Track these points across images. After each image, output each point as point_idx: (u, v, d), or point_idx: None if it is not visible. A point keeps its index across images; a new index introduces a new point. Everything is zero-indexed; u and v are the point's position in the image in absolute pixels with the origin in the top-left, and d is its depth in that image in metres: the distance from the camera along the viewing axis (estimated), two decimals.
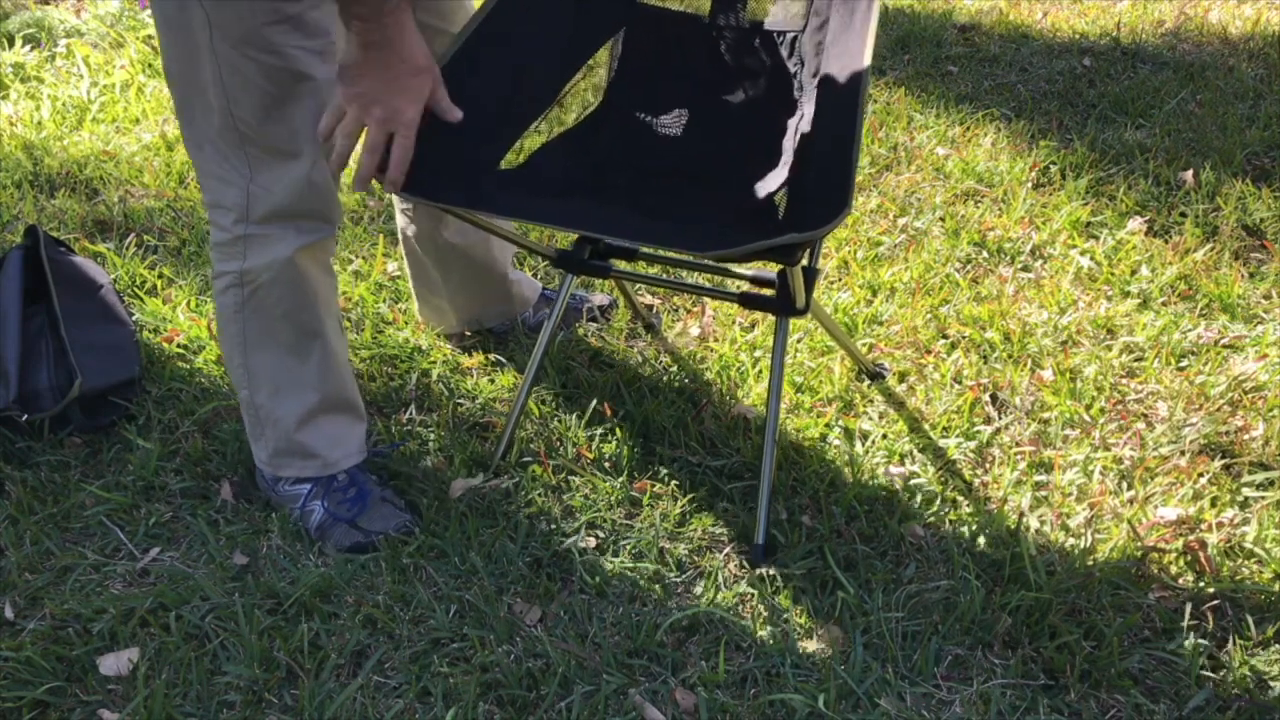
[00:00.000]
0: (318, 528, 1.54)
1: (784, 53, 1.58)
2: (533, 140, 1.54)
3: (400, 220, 1.80)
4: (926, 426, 1.71)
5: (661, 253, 1.75)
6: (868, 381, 1.81)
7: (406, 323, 2.00)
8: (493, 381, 1.84)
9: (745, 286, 1.82)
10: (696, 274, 2.01)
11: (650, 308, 2.03)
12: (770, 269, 1.65)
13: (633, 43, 1.64)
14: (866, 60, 1.31)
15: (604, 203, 1.50)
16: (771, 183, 1.51)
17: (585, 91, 1.62)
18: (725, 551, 1.51)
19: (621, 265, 1.68)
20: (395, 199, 1.79)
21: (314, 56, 1.28)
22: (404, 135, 1.23)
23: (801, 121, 1.52)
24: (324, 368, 1.50)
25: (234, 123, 1.29)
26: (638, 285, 2.03)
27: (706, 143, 1.60)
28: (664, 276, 1.98)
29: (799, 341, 1.89)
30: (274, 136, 1.31)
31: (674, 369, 1.84)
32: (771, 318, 1.94)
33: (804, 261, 1.42)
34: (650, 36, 1.64)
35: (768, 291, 1.61)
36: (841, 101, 1.35)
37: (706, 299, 2.02)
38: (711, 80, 1.61)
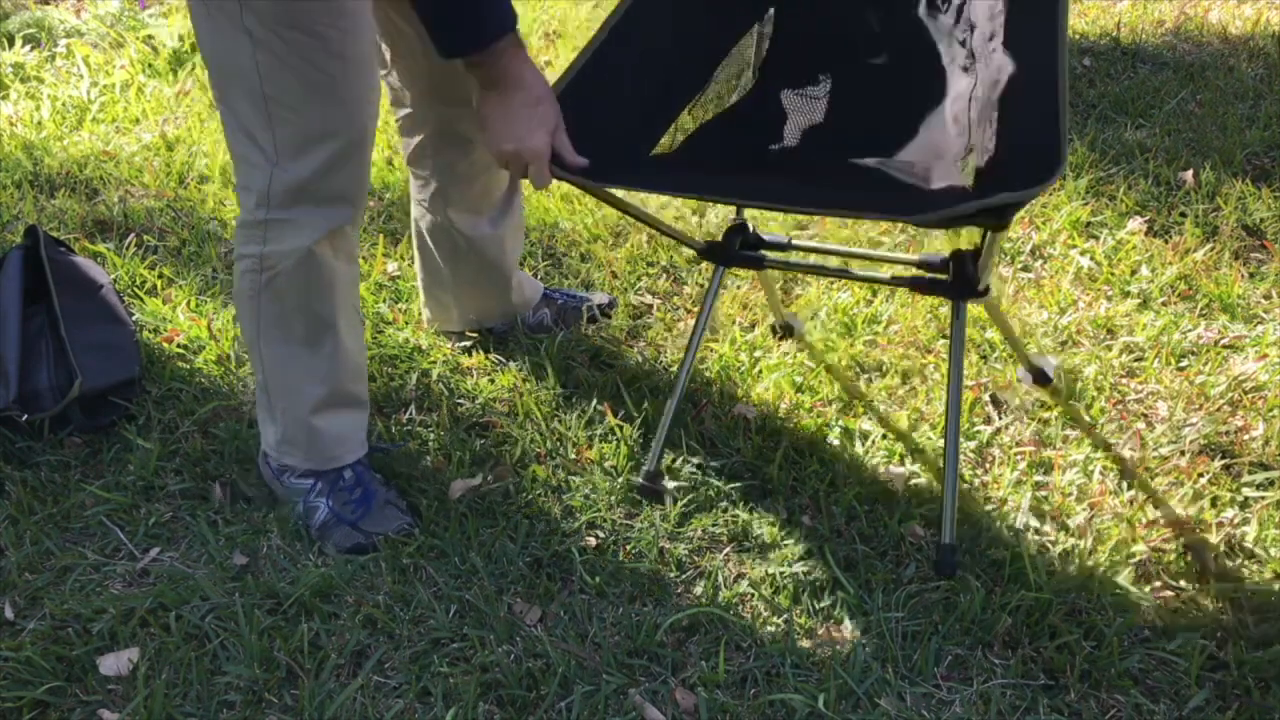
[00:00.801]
0: (320, 526, 1.53)
1: (949, 19, 1.51)
2: (685, 123, 1.51)
3: (415, 211, 1.80)
4: (926, 426, 1.71)
5: (818, 244, 1.72)
6: (1029, 382, 1.76)
7: (406, 323, 2.00)
8: (493, 381, 1.84)
9: (908, 273, 1.64)
10: (854, 262, 1.88)
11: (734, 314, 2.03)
12: (940, 252, 1.56)
13: (784, 18, 1.60)
14: (1062, 19, 1.24)
15: (772, 178, 1.44)
16: (952, 149, 1.46)
17: (736, 72, 1.59)
18: (725, 551, 1.51)
19: (774, 255, 1.60)
20: (412, 188, 1.78)
21: (347, 36, 1.27)
22: (536, 166, 1.26)
23: (978, 88, 1.46)
24: (334, 360, 1.50)
25: (265, 104, 1.28)
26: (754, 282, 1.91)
27: (871, 115, 1.54)
28: (821, 264, 1.82)
29: (799, 341, 1.89)
30: (306, 118, 1.30)
31: (674, 369, 1.84)
32: (757, 321, 1.94)
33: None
34: (801, 11, 1.59)
35: (940, 276, 1.52)
36: (1038, 62, 1.27)
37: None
38: (870, 52, 1.56)
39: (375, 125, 1.37)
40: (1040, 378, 1.75)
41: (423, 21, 1.22)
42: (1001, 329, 1.70)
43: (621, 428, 1.71)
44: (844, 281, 2.06)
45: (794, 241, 1.64)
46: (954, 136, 1.46)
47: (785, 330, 1.90)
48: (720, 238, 1.58)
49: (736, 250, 1.54)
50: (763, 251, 1.60)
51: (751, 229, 1.60)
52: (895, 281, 1.53)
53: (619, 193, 1.42)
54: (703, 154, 1.47)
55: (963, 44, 1.51)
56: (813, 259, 1.92)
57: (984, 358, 1.85)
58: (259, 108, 1.29)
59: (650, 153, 1.44)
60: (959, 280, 1.38)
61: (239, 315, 1.49)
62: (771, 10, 1.61)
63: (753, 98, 1.59)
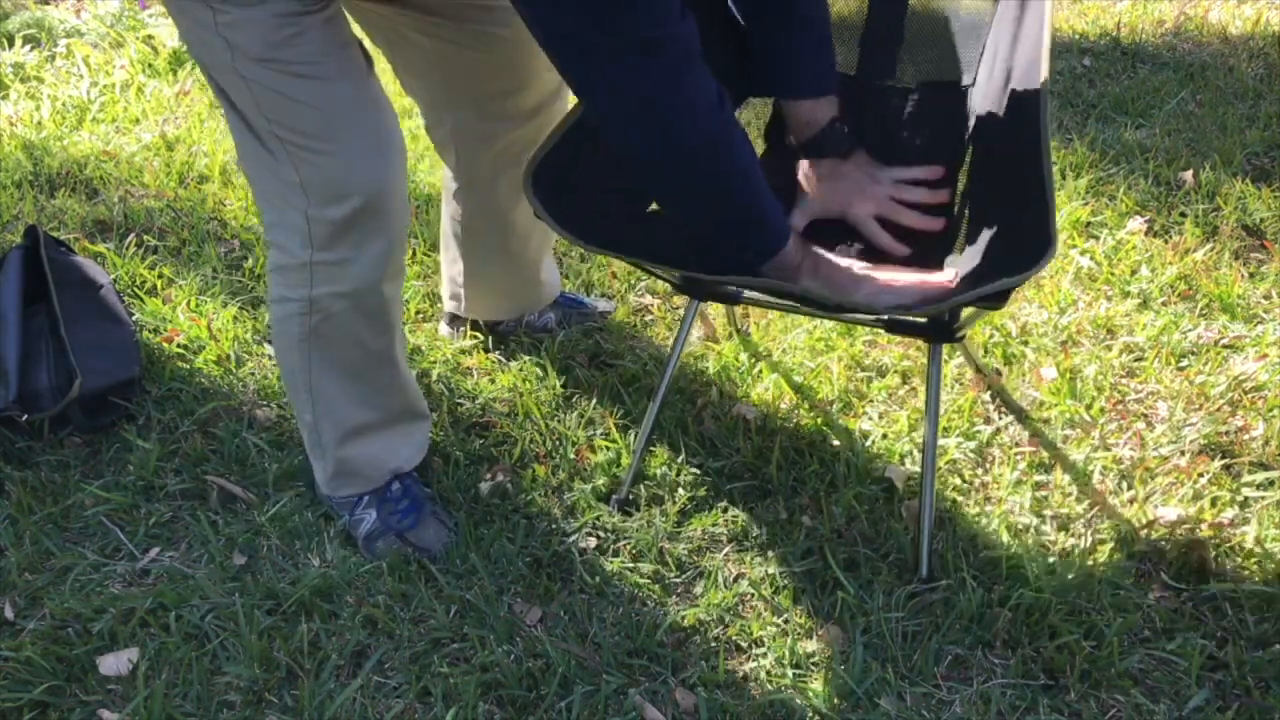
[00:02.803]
0: (366, 536, 1.52)
1: (947, 107, 1.54)
2: None
3: (447, 206, 1.76)
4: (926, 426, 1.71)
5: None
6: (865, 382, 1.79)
7: (406, 321, 2.00)
8: (493, 381, 1.84)
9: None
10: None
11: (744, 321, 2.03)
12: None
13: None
14: (1041, 81, 1.25)
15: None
16: (935, 235, 1.47)
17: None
18: (725, 551, 1.51)
19: (750, 292, 1.59)
20: (444, 179, 1.74)
21: (343, 61, 1.23)
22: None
23: (965, 171, 1.49)
24: (392, 388, 1.49)
25: (281, 144, 1.24)
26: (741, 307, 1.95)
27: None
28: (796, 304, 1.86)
29: (799, 340, 1.89)
30: (324, 151, 1.24)
31: (674, 368, 1.84)
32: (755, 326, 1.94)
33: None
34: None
35: (915, 318, 1.52)
36: (1021, 135, 1.28)
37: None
38: (861, 135, 1.54)
39: (399, 170, 1.31)
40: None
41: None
42: (972, 362, 1.76)
43: (621, 428, 1.71)
44: None
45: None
46: (940, 223, 1.48)
47: (738, 335, 1.93)
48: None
49: (710, 284, 1.54)
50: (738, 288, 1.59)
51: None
52: (871, 322, 1.54)
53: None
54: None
55: (961, 128, 1.53)
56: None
57: (984, 356, 1.85)
58: (277, 147, 1.25)
59: (649, 208, 1.43)
60: (937, 324, 1.40)
61: (282, 360, 1.44)
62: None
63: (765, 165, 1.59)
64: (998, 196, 1.35)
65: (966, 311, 1.35)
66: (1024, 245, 1.15)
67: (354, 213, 1.27)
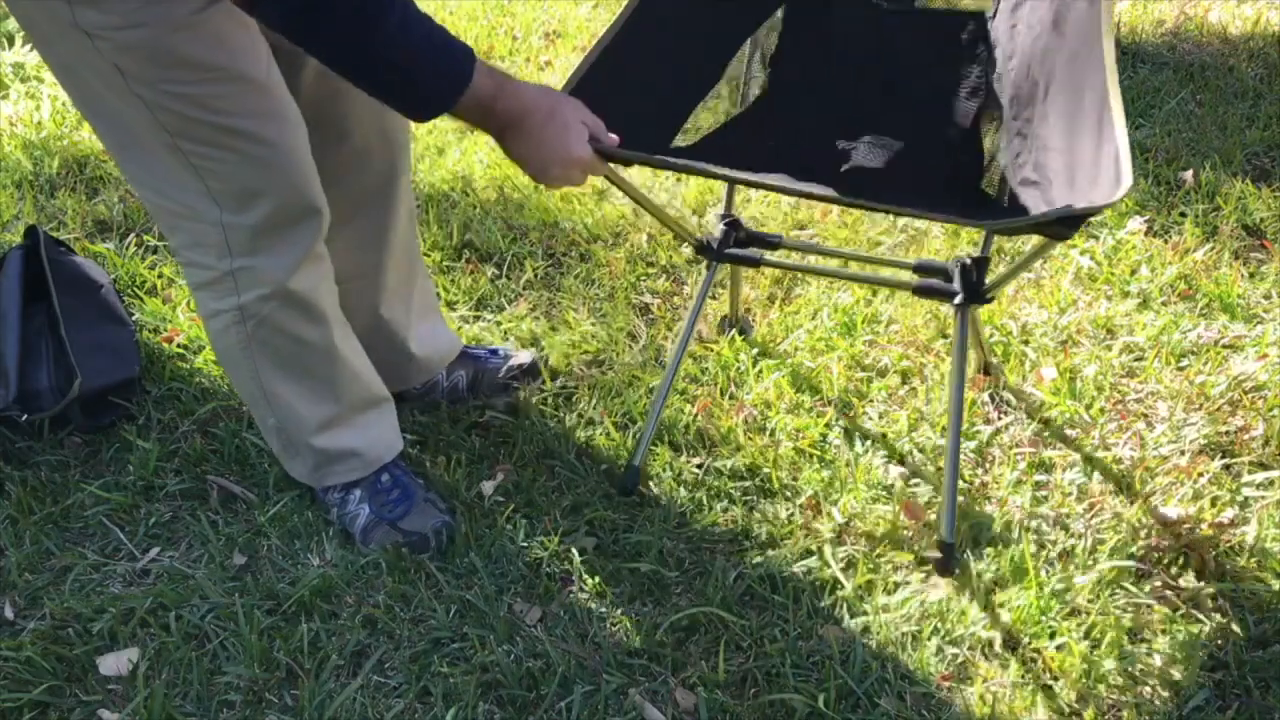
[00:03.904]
0: (363, 530, 1.53)
1: (966, 35, 1.49)
2: (702, 120, 1.47)
3: None
4: (926, 426, 1.71)
5: (816, 244, 1.70)
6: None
7: None
8: None
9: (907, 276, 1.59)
10: (852, 264, 1.86)
11: (748, 311, 2.03)
12: (938, 259, 1.55)
13: (793, 23, 1.58)
14: (1106, 38, 1.21)
15: (800, 175, 1.37)
16: (972, 167, 1.45)
17: (748, 69, 1.55)
18: (725, 551, 1.51)
19: (771, 255, 1.56)
20: None
21: (243, 55, 1.16)
22: (589, 170, 1.19)
23: (999, 103, 1.45)
24: (345, 375, 1.46)
25: (185, 159, 1.19)
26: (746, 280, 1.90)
27: (881, 126, 1.51)
28: (819, 265, 1.81)
29: (799, 340, 1.88)
30: (231, 154, 1.20)
31: (690, 335, 1.84)
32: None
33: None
34: (809, 18, 1.57)
35: (938, 281, 1.50)
36: (1077, 57, 1.25)
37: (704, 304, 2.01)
38: (880, 63, 1.53)
39: (308, 161, 1.26)
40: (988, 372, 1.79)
41: (373, 96, 1.11)
42: (975, 334, 1.74)
43: (621, 427, 1.71)
44: (844, 282, 2.06)
45: (790, 240, 1.62)
46: (973, 154, 1.45)
47: (736, 326, 1.90)
48: (715, 234, 1.56)
49: (731, 247, 1.52)
50: (759, 250, 1.58)
51: (744, 226, 1.57)
52: (898, 284, 1.52)
53: (631, 176, 1.40)
54: (722, 152, 1.43)
55: (978, 59, 1.49)
56: (810, 259, 1.92)
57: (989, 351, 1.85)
58: (182, 163, 1.20)
59: (671, 143, 1.42)
60: (966, 285, 1.38)
61: (231, 373, 1.44)
62: (780, 11, 1.60)
63: (767, 96, 1.57)
64: (1050, 127, 1.29)
65: (993, 275, 1.34)
66: (1092, 174, 1.11)
67: (271, 213, 1.25)
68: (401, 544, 1.50)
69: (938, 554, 1.45)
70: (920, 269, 1.57)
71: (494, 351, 1.82)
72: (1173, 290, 1.99)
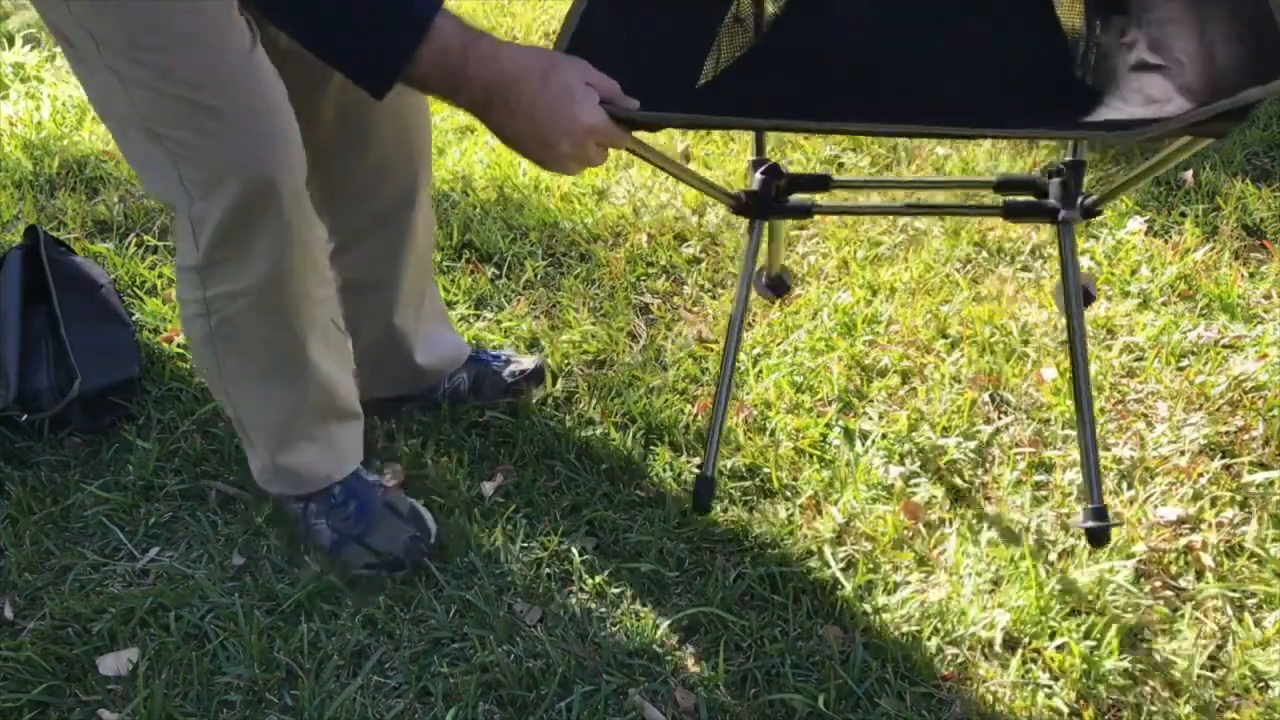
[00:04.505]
0: (333, 548, 1.47)
1: None
2: (724, 55, 1.26)
3: None
4: (926, 426, 1.71)
5: (870, 178, 1.42)
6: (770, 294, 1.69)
7: None
8: None
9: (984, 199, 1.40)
10: (919, 193, 1.62)
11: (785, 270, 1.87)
12: (1022, 174, 1.35)
13: None
14: None
15: (863, 99, 1.17)
16: (1059, 54, 1.25)
17: None
18: (725, 551, 1.51)
19: (820, 199, 1.33)
20: None
21: (217, 27, 1.08)
22: (608, 138, 0.96)
23: None
24: (311, 384, 1.37)
25: (161, 144, 1.13)
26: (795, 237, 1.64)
27: (927, 30, 1.30)
28: (884, 204, 1.53)
29: (799, 340, 1.88)
30: (200, 135, 1.12)
31: (674, 369, 1.84)
32: (771, 317, 1.94)
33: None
34: None
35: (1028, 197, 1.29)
36: None
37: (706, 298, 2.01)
38: None
39: (287, 153, 1.17)
40: (778, 287, 1.67)
41: (329, 63, 0.95)
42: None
43: (620, 428, 1.71)
44: (853, 273, 2.06)
45: (844, 179, 1.36)
46: (1049, 26, 1.25)
47: (775, 285, 1.72)
48: (754, 186, 1.31)
49: (776, 198, 1.27)
50: (810, 196, 1.34)
51: (785, 171, 1.32)
52: (982, 210, 1.30)
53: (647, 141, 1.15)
54: (755, 96, 1.22)
55: None
56: (868, 198, 1.64)
57: (984, 355, 1.85)
58: (160, 150, 1.14)
59: (698, 84, 1.21)
60: (1067, 199, 1.18)
61: (194, 358, 1.38)
62: None
63: (787, 13, 1.34)
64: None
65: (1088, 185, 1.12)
66: (1239, 50, 0.96)
67: (236, 203, 1.15)
68: (376, 566, 1.45)
69: (1094, 523, 1.22)
70: (1005, 185, 1.34)
71: (497, 356, 1.79)
72: (1173, 290, 1.99)
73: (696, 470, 1.63)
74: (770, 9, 1.34)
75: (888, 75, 1.25)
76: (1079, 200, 1.18)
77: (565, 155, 0.94)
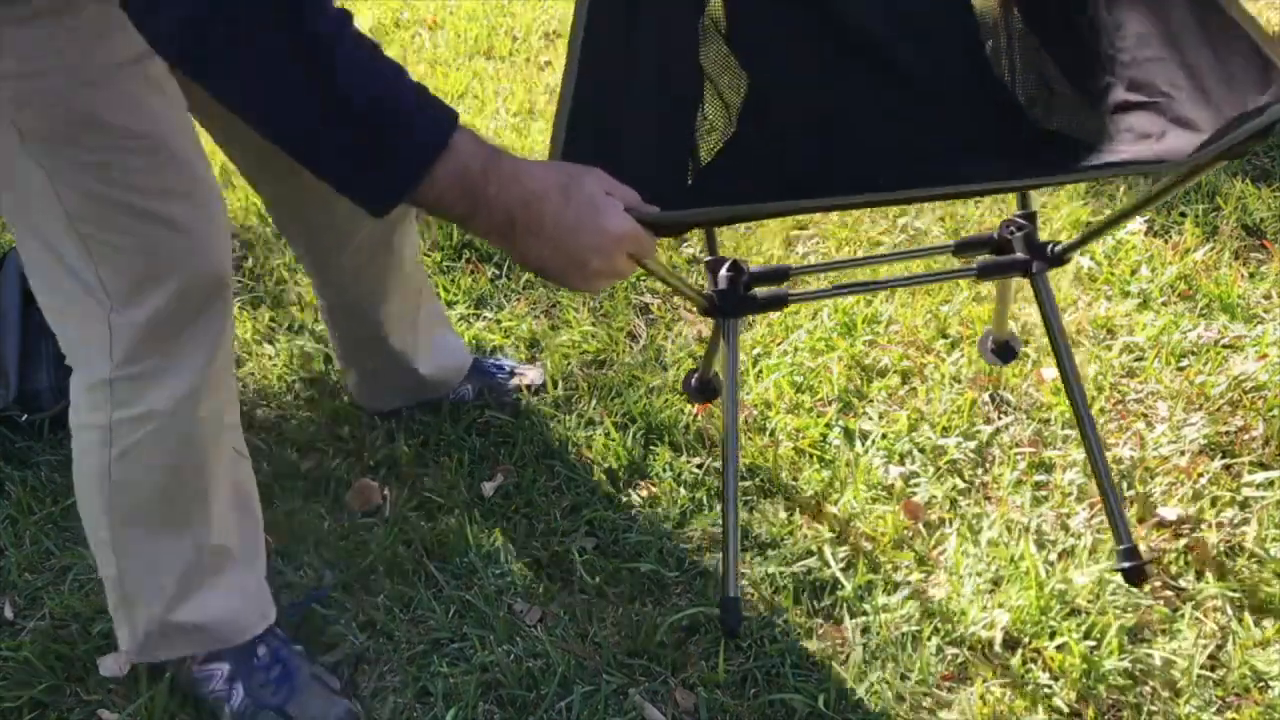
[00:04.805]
0: (238, 717, 1.27)
1: None
2: (704, 149, 1.25)
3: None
4: (926, 426, 1.71)
5: (831, 261, 1.42)
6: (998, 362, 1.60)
7: None
8: None
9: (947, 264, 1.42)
10: (882, 269, 1.69)
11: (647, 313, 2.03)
12: (979, 234, 1.33)
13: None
14: None
15: (864, 158, 1.17)
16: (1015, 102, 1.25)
17: (721, 57, 1.32)
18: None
19: (791, 288, 1.33)
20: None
21: (162, 120, 1.01)
22: (637, 246, 0.88)
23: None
24: (208, 534, 1.22)
25: (82, 242, 1.02)
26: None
27: (887, 93, 1.30)
28: (855, 281, 1.59)
29: (799, 340, 1.88)
30: (128, 233, 1.03)
31: (674, 369, 1.84)
32: (782, 318, 1.94)
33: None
34: None
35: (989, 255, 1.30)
36: None
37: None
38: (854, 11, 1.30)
39: (223, 249, 1.10)
40: (1006, 353, 1.61)
41: (331, 185, 0.82)
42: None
43: (621, 427, 1.71)
44: (853, 273, 2.06)
45: (802, 265, 1.38)
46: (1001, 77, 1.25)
47: (1001, 352, 1.60)
48: (720, 286, 1.30)
49: (746, 295, 1.26)
50: (781, 287, 1.32)
51: (746, 267, 1.32)
52: (957, 274, 1.31)
53: None
54: (748, 166, 1.23)
55: None
56: (831, 280, 1.70)
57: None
58: (78, 247, 1.03)
59: (688, 182, 1.21)
60: (1034, 249, 1.19)
61: (79, 499, 1.20)
62: None
63: (752, 94, 1.34)
64: (1132, 33, 1.09)
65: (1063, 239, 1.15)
66: (1226, 73, 0.94)
67: (165, 307, 1.06)
68: None
69: (1129, 564, 1.22)
70: (964, 247, 1.35)
71: (500, 366, 1.78)
72: (1173, 290, 1.99)
73: (697, 470, 1.63)
74: (732, 100, 1.33)
75: (869, 146, 1.26)
76: (1047, 249, 1.19)
77: (596, 271, 0.86)
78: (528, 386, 1.77)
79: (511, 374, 1.77)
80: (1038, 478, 1.60)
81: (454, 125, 0.80)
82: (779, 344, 1.89)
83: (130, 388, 1.10)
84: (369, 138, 0.78)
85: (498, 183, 0.81)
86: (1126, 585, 1.41)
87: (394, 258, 1.47)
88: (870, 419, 1.73)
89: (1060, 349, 1.20)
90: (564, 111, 0.98)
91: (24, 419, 1.69)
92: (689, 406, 1.75)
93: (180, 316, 1.08)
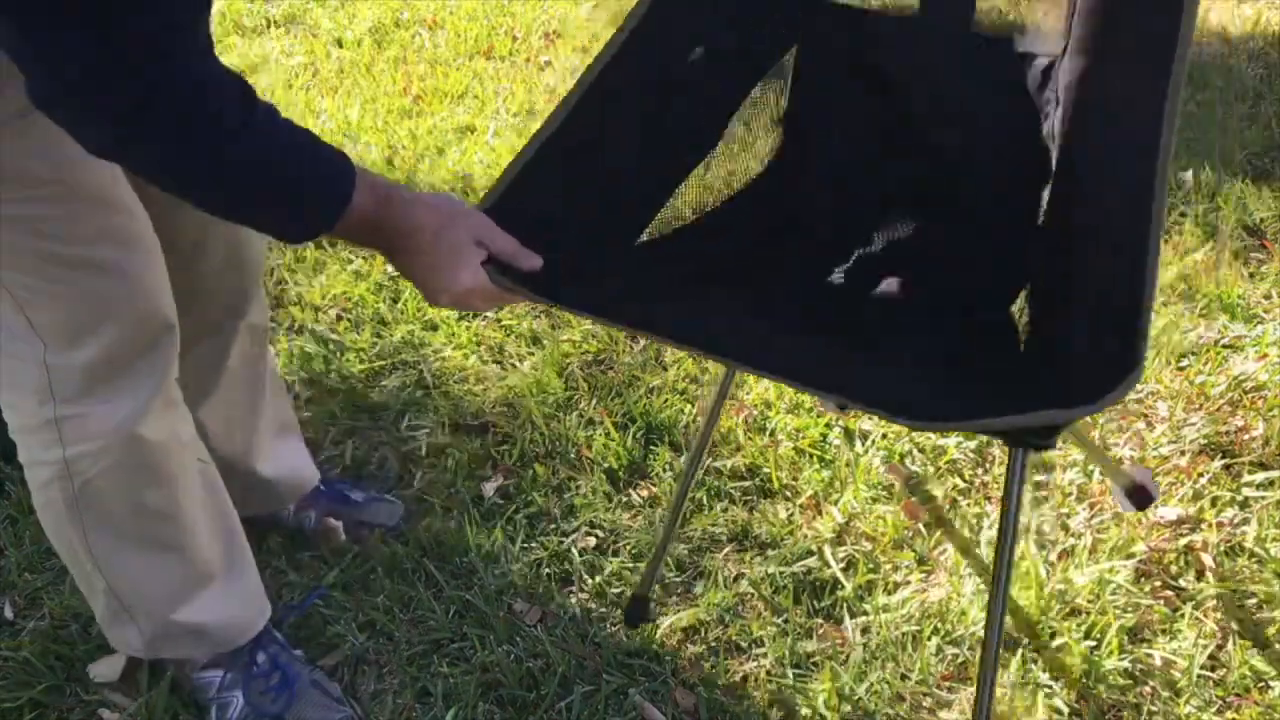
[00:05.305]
0: None
1: (1032, 83, 1.12)
2: (677, 208, 1.16)
3: None
4: None
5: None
6: (1132, 508, 1.44)
7: (406, 321, 2.00)
8: (494, 382, 1.84)
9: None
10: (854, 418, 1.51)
11: None
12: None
13: (808, 68, 1.21)
14: (1165, 130, 0.86)
15: (755, 302, 1.08)
16: (1006, 283, 1.09)
17: (752, 135, 1.23)
18: (725, 551, 1.51)
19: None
20: None
21: (80, 166, 0.96)
22: (477, 301, 0.95)
23: (1050, 194, 1.09)
24: (198, 540, 1.22)
25: (4, 290, 1.00)
26: None
27: (912, 212, 1.17)
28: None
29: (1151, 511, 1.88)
30: (66, 289, 1.00)
31: (674, 369, 1.84)
32: None
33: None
34: (832, 57, 1.20)
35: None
36: (1123, 187, 0.89)
37: None
38: (922, 117, 1.17)
39: (159, 284, 1.07)
40: (1142, 502, 1.41)
41: (244, 222, 0.90)
42: (1088, 449, 1.40)
43: (621, 427, 1.71)
44: None
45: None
46: (1015, 263, 1.10)
47: (1137, 497, 1.43)
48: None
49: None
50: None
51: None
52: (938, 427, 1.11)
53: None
54: (683, 249, 1.14)
55: (1045, 119, 1.11)
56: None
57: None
58: (1, 295, 1.00)
59: (638, 240, 1.12)
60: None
61: (52, 536, 1.20)
62: (794, 50, 1.22)
63: (758, 180, 1.22)
64: (1074, 251, 0.98)
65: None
66: (1095, 348, 0.84)
67: (109, 347, 1.04)
68: None
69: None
70: None
71: (347, 497, 1.55)
72: (1173, 290, 1.99)
73: (696, 470, 1.62)
74: (738, 170, 1.23)
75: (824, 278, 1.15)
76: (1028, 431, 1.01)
77: (447, 305, 0.96)
78: (379, 527, 1.54)
79: (364, 506, 1.55)
80: (1038, 478, 1.60)
81: (351, 167, 0.88)
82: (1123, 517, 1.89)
83: (79, 424, 1.08)
84: (284, 202, 0.86)
85: (389, 214, 0.90)
86: (1127, 588, 1.40)
87: (231, 352, 1.34)
88: (870, 419, 1.73)
89: (1008, 538, 0.98)
90: (541, 136, 1.00)
91: None
92: (689, 406, 1.75)
93: (122, 359, 1.06)
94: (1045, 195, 1.09)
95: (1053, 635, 1.36)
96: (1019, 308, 1.06)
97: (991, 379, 0.95)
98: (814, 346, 1.00)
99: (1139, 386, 1.77)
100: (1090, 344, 0.86)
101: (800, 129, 1.22)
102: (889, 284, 1.12)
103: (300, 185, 0.86)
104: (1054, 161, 1.08)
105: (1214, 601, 1.41)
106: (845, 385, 0.86)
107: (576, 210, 1.04)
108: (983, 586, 1.43)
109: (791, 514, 1.56)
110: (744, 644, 1.38)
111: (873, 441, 1.68)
